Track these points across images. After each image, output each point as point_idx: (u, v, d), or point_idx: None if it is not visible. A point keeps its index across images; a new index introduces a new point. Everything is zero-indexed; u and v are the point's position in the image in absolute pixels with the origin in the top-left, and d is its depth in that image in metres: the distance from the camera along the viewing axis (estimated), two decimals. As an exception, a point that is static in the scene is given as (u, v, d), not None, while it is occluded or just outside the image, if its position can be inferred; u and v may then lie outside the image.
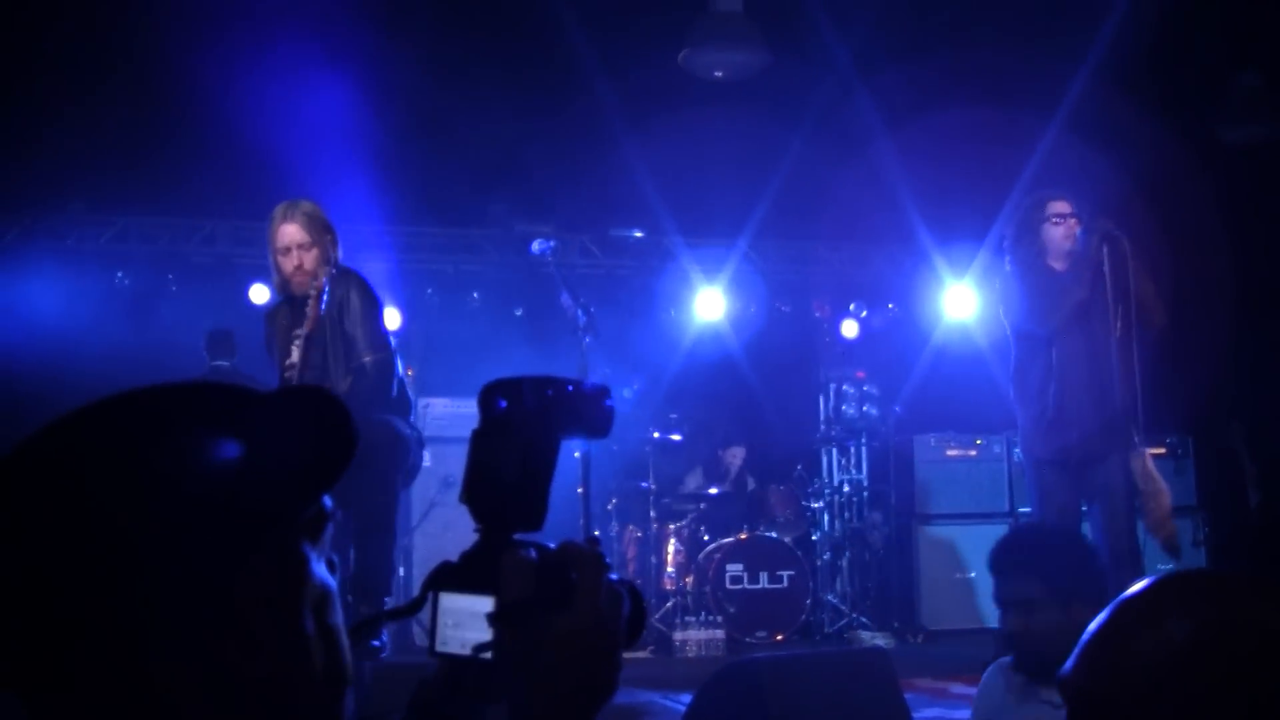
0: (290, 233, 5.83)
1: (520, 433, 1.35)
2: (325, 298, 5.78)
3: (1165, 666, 1.28)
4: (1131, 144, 8.82)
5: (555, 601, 1.29)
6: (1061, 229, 6.45)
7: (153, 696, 1.08)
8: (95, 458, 1.11)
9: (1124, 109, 8.74)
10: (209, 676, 1.09)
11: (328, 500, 1.21)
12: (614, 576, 1.36)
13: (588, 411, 1.43)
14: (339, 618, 1.22)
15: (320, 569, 1.19)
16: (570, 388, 1.42)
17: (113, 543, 1.08)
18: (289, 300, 6.00)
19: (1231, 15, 8.13)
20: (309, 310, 5.73)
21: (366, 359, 5.86)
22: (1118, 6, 7.70)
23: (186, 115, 7.90)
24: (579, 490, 6.72)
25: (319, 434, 1.20)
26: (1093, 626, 1.37)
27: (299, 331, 5.76)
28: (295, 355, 5.77)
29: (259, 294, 9.12)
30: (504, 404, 1.37)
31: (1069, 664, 1.37)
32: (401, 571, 8.21)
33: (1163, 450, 9.68)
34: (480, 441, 1.35)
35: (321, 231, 5.87)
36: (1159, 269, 6.43)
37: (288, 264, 5.85)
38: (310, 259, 5.82)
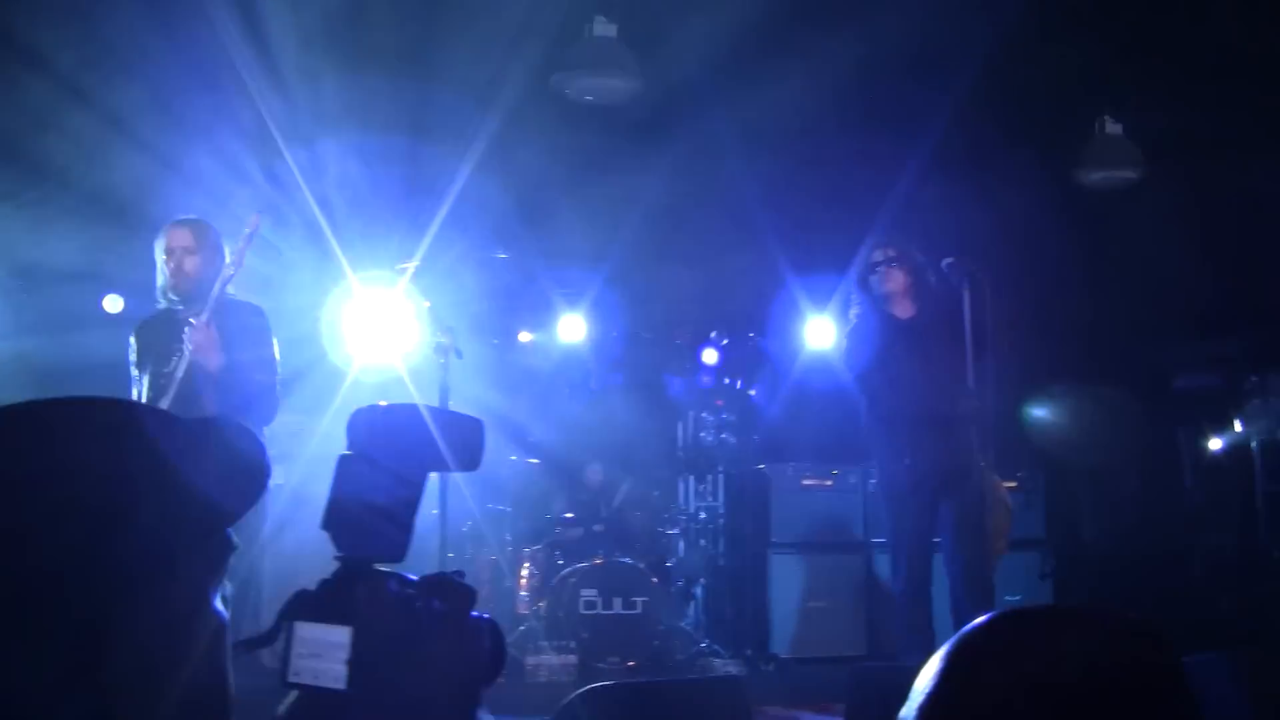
0: (179, 236, 6.09)
1: (389, 461, 1.33)
2: (215, 316, 5.93)
3: (1008, 704, 1.29)
4: (994, 182, 9.01)
5: (415, 635, 1.30)
6: (879, 277, 6.68)
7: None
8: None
9: (988, 148, 8.92)
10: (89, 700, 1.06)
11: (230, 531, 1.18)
12: (474, 614, 1.40)
13: (460, 443, 1.41)
14: (228, 650, 1.18)
15: (217, 601, 1.16)
16: (442, 418, 1.39)
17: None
18: (168, 313, 6.18)
19: (1095, 63, 8.36)
20: (195, 322, 5.88)
21: (255, 378, 6.01)
22: (985, 48, 7.87)
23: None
24: (434, 512, 6.65)
25: (233, 466, 1.16)
26: (935, 665, 1.37)
27: (185, 344, 5.89)
28: (176, 366, 5.89)
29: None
30: (373, 434, 1.34)
31: (911, 705, 1.37)
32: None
33: (1014, 484, 9.89)
34: (346, 467, 1.34)
35: (210, 246, 6.14)
36: (1015, 307, 6.61)
37: (170, 264, 6.08)
38: (192, 264, 6.07)
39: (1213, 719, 1.29)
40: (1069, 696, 1.29)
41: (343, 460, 1.38)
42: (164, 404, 5.75)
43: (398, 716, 1.29)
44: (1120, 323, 11.65)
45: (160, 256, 6.15)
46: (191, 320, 5.90)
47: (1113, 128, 9.55)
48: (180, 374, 5.85)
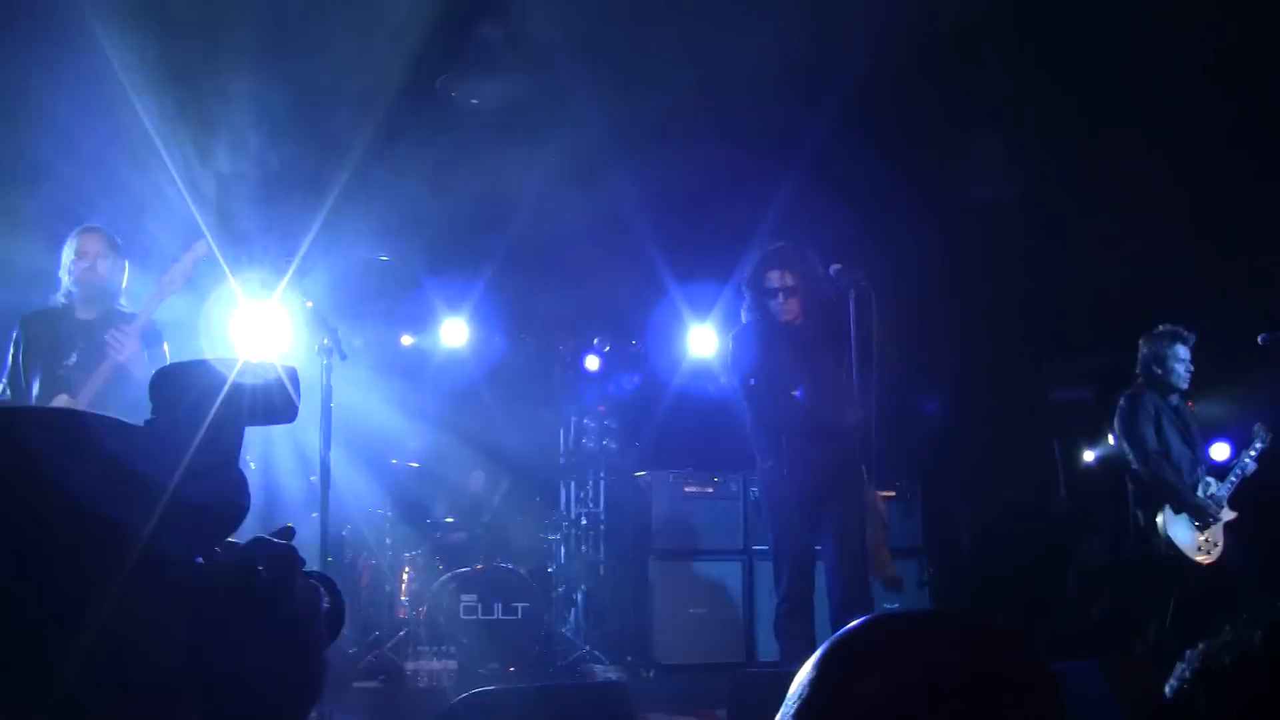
0: (94, 241, 6.57)
1: (199, 420, 1.25)
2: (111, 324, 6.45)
3: (879, 709, 1.31)
4: (874, 195, 9.19)
5: (247, 602, 1.22)
6: (775, 302, 6.78)
7: None
8: None
9: (868, 161, 9.10)
10: None
11: None
12: (308, 570, 1.31)
13: (276, 394, 1.35)
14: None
15: None
16: (255, 369, 1.33)
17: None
18: (63, 310, 6.59)
19: (971, 80, 8.58)
20: (128, 330, 6.41)
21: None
22: (861, 64, 8.06)
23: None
24: (314, 515, 6.66)
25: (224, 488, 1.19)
26: (807, 670, 1.39)
27: (111, 348, 6.35)
28: (77, 364, 6.35)
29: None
30: (183, 389, 1.28)
31: (785, 710, 1.38)
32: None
33: (893, 493, 10.10)
34: (154, 432, 1.26)
35: (118, 253, 6.69)
36: (897, 317, 6.74)
37: (80, 266, 6.50)
38: (104, 267, 6.55)
39: None
40: (939, 701, 1.30)
41: (149, 425, 1.26)
42: (81, 399, 6.17)
43: (238, 688, 1.22)
44: (998, 336, 11.92)
45: (69, 257, 6.56)
46: (123, 328, 6.39)
47: (991, 144, 9.80)
48: (101, 374, 6.28)
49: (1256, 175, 9.21)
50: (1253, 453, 8.28)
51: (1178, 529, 8.08)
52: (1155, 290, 10.51)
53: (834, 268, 6.56)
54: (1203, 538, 8.06)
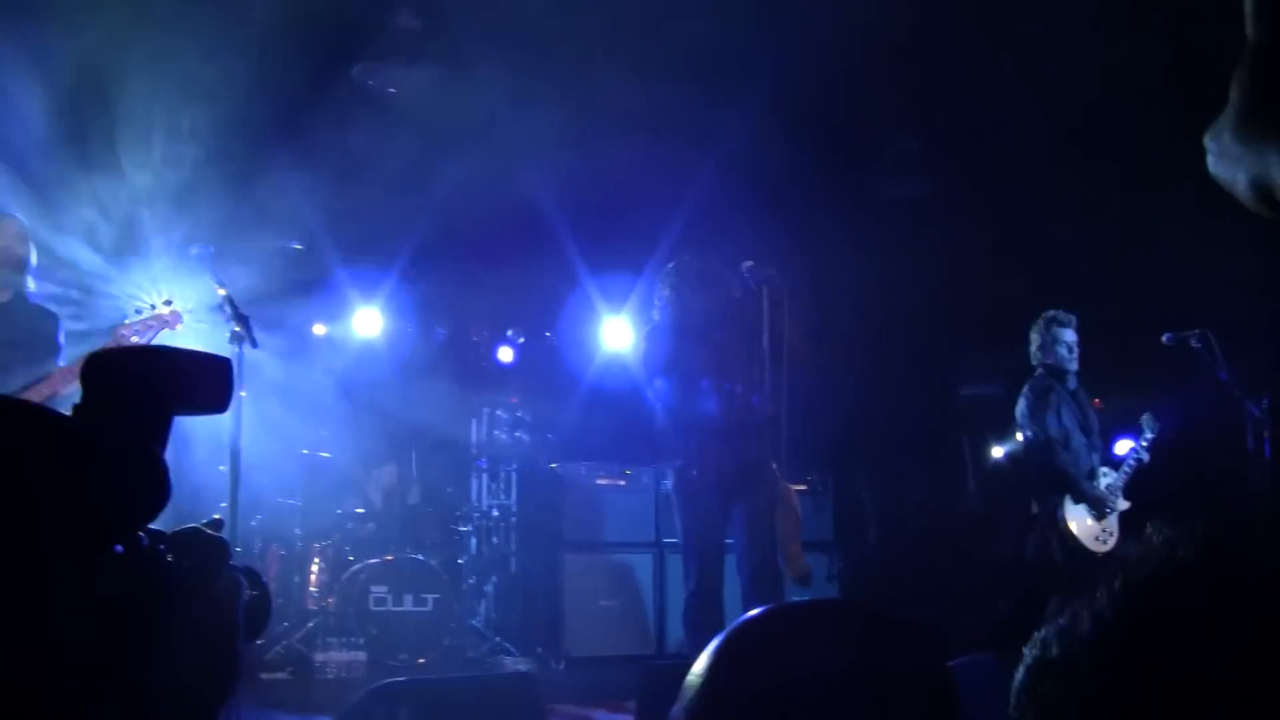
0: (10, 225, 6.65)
1: (128, 408, 1.25)
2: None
3: (776, 697, 1.33)
4: (790, 191, 9.29)
5: (166, 592, 1.21)
6: (685, 306, 6.87)
7: None
8: None
9: (784, 159, 9.20)
10: None
11: None
12: (234, 563, 1.32)
13: (205, 382, 1.34)
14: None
15: None
16: (188, 358, 1.34)
17: None
18: None
19: (892, 79, 8.70)
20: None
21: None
22: (779, 63, 8.14)
23: None
24: (223, 505, 6.66)
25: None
26: (706, 659, 1.40)
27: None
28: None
29: None
30: (111, 376, 1.27)
31: (683, 698, 1.39)
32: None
33: (805, 486, 10.22)
34: (82, 418, 1.26)
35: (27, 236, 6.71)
36: (810, 313, 6.82)
37: None
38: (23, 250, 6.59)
39: (983, 718, 1.41)
40: (833, 691, 1.32)
41: (76, 409, 1.25)
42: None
43: (154, 678, 1.21)
44: (910, 332, 12.10)
45: None
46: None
47: (907, 143, 9.93)
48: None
49: (1162, 178, 9.43)
50: (1144, 443, 8.45)
51: (1076, 519, 8.22)
52: (1065, 288, 10.73)
53: (746, 264, 6.64)
54: (1099, 527, 8.21)
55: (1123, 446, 9.02)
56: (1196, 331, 7.86)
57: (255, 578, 1.36)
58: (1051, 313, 8.34)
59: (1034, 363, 8.48)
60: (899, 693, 1.35)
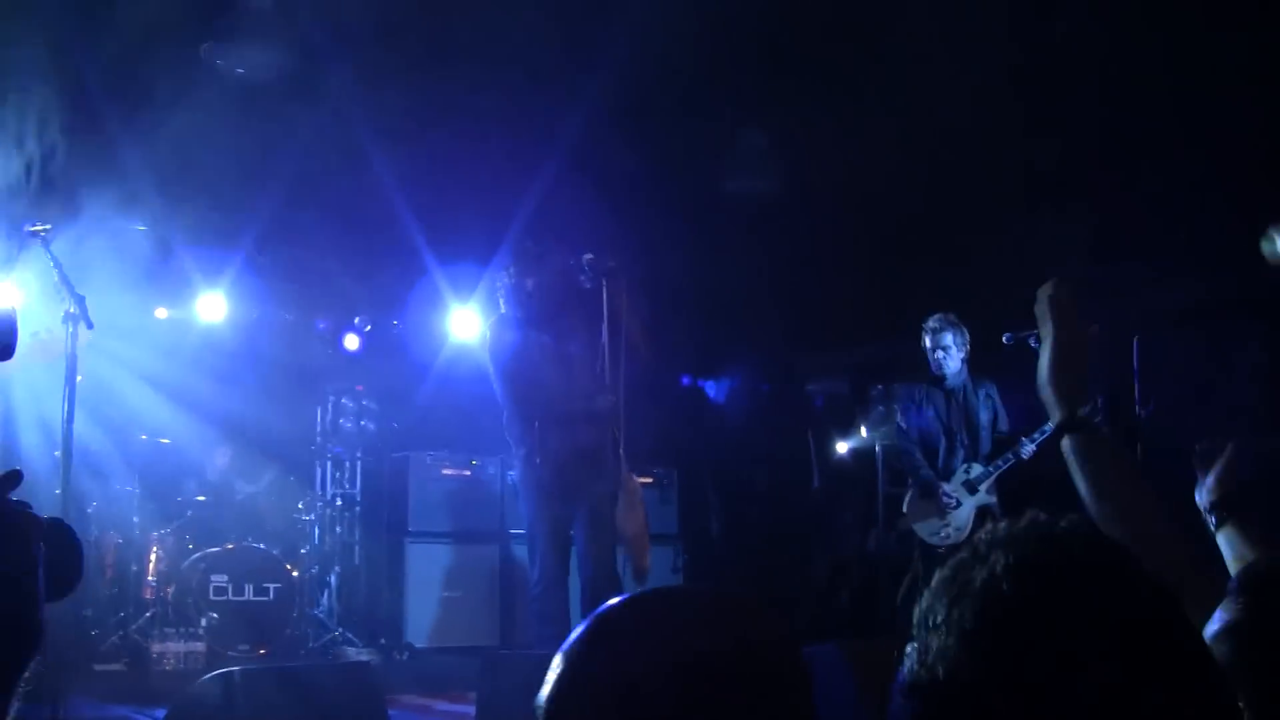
0: None
1: None
2: None
3: (637, 683, 1.34)
4: (631, 185, 9.42)
5: None
6: (529, 297, 6.99)
7: None
8: None
9: (623, 152, 9.31)
10: None
11: None
12: (38, 514, 1.28)
13: None
14: None
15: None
16: None
17: None
18: None
19: (738, 75, 8.86)
20: None
21: None
22: (616, 56, 8.25)
23: None
24: (56, 492, 6.60)
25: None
26: (566, 648, 1.42)
27: None
28: None
29: None
30: None
31: (544, 689, 1.41)
32: None
33: (650, 479, 10.38)
34: None
35: None
36: (656, 307, 6.96)
37: None
38: None
39: (825, 705, 1.47)
40: (695, 676, 1.34)
41: None
42: None
43: None
44: (756, 327, 12.32)
45: None
46: None
47: (750, 139, 10.11)
48: None
49: (1004, 177, 9.77)
50: (1038, 436, 8.59)
51: (918, 512, 8.47)
52: (912, 286, 11.04)
53: (587, 257, 6.76)
54: (943, 521, 8.43)
55: None
56: (1036, 332, 8.10)
57: (64, 535, 1.32)
58: (939, 316, 8.54)
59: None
60: (756, 671, 1.39)
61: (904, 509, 8.54)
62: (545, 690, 1.38)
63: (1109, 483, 2.38)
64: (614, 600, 1.47)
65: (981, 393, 8.59)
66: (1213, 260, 10.35)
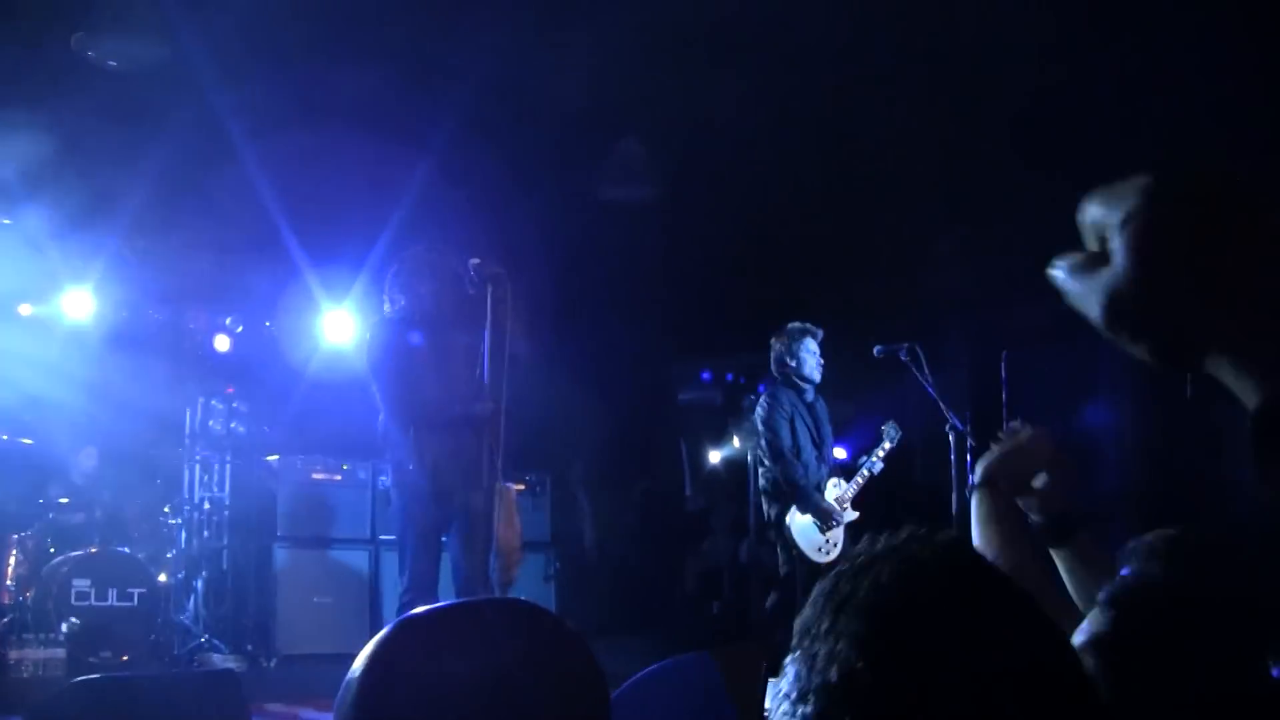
0: None
1: None
2: None
3: (428, 697, 1.41)
4: (506, 191, 9.45)
5: None
6: (413, 300, 7.01)
7: None
8: None
9: (498, 157, 9.34)
10: None
11: None
12: None
13: None
14: None
15: None
16: None
17: None
18: None
19: (625, 84, 8.92)
20: None
21: None
22: (506, 55, 8.29)
23: None
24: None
25: None
26: (360, 664, 1.47)
27: None
28: None
29: None
30: None
31: (341, 702, 1.46)
32: None
33: (523, 486, 10.41)
34: None
35: None
36: (530, 314, 6.98)
37: None
38: None
39: (696, 714, 1.53)
40: (489, 688, 1.41)
41: None
42: None
43: None
44: (631, 335, 12.42)
45: None
46: None
47: (634, 148, 10.18)
48: None
49: (884, 191, 9.96)
50: (880, 452, 8.79)
51: (801, 529, 8.52)
52: (785, 298, 11.20)
53: (473, 261, 6.74)
54: (824, 539, 8.52)
55: (838, 453, 9.36)
56: (906, 345, 8.28)
57: None
58: (798, 325, 8.66)
59: (773, 369, 8.80)
60: (551, 688, 1.46)
61: (786, 524, 8.55)
62: (339, 707, 1.44)
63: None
64: (411, 613, 1.53)
65: (821, 402, 8.75)
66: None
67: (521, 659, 1.45)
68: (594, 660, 1.52)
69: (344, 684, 1.46)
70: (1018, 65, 8.08)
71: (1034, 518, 2.58)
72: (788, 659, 1.31)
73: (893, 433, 8.82)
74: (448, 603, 1.62)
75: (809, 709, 1.22)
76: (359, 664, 1.46)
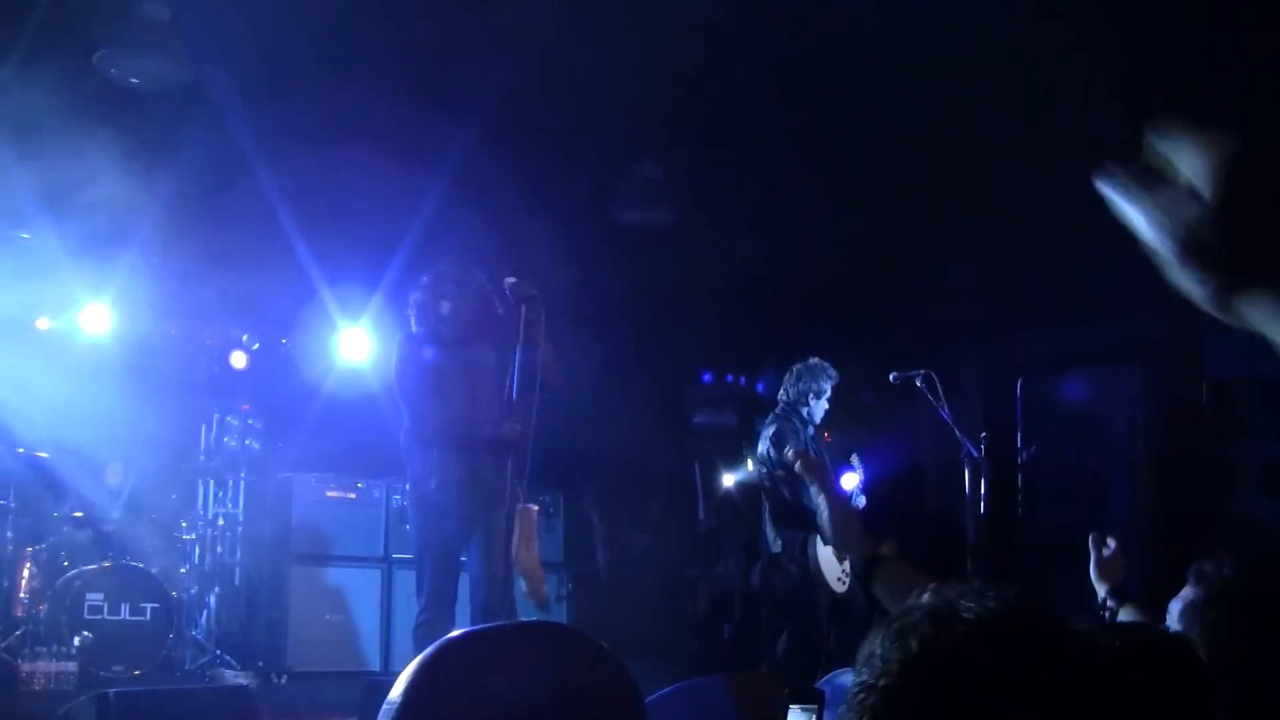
0: None
1: None
2: None
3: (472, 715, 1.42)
4: (521, 212, 9.49)
5: None
6: (443, 321, 7.02)
7: None
8: None
9: (513, 177, 9.39)
10: None
11: None
12: None
13: None
14: None
15: None
16: None
17: None
18: None
19: (632, 109, 8.97)
20: None
21: None
22: (508, 83, 8.34)
23: None
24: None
25: None
26: (405, 676, 1.48)
27: None
28: None
29: None
30: None
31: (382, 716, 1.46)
32: None
33: (538, 507, 10.43)
34: None
35: None
36: (561, 336, 7.00)
37: None
38: None
39: None
40: (531, 713, 1.40)
41: None
42: None
43: None
44: (645, 357, 12.45)
45: None
46: None
47: (652, 172, 10.23)
48: None
49: (896, 223, 10.01)
50: (862, 485, 8.79)
51: (824, 558, 8.47)
52: (799, 326, 11.25)
53: (508, 281, 6.74)
54: (843, 568, 8.44)
55: (848, 480, 9.37)
56: (921, 372, 8.31)
57: None
58: (819, 362, 8.65)
59: (782, 399, 8.79)
60: (593, 710, 1.46)
61: (812, 551, 8.51)
62: (388, 714, 1.43)
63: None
64: (453, 635, 1.53)
65: (817, 436, 8.76)
66: (1094, 307, 10.74)
67: (562, 681, 1.46)
68: (632, 680, 1.53)
69: (385, 706, 1.46)
70: (1030, 93, 8.13)
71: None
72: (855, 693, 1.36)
73: (859, 464, 8.84)
74: (488, 625, 1.58)
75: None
76: (401, 684, 1.46)
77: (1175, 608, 2.53)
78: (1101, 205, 1.40)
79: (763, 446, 8.70)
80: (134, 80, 8.28)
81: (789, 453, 8.24)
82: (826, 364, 8.64)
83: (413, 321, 7.25)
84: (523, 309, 6.54)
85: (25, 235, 9.12)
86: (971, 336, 12.15)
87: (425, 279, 7.23)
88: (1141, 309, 10.65)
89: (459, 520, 7.02)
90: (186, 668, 8.97)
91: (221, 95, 8.64)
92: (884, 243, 10.31)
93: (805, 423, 8.61)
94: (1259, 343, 1.32)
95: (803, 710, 2.25)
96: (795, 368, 8.78)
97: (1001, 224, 9.69)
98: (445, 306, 7.10)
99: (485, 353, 7.04)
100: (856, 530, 3.18)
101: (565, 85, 8.59)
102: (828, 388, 8.61)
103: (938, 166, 9.13)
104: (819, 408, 8.61)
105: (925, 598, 1.41)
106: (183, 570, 9.31)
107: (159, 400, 9.70)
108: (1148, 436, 9.80)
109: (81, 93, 8.42)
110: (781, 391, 8.82)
